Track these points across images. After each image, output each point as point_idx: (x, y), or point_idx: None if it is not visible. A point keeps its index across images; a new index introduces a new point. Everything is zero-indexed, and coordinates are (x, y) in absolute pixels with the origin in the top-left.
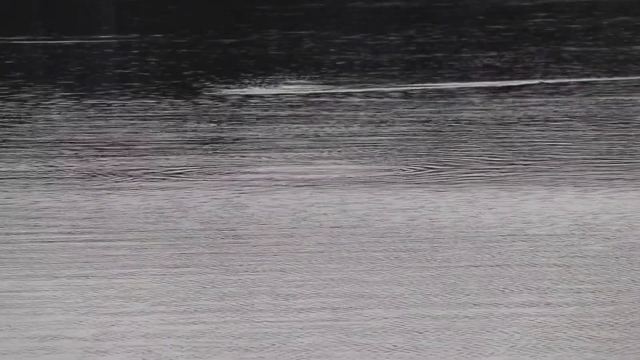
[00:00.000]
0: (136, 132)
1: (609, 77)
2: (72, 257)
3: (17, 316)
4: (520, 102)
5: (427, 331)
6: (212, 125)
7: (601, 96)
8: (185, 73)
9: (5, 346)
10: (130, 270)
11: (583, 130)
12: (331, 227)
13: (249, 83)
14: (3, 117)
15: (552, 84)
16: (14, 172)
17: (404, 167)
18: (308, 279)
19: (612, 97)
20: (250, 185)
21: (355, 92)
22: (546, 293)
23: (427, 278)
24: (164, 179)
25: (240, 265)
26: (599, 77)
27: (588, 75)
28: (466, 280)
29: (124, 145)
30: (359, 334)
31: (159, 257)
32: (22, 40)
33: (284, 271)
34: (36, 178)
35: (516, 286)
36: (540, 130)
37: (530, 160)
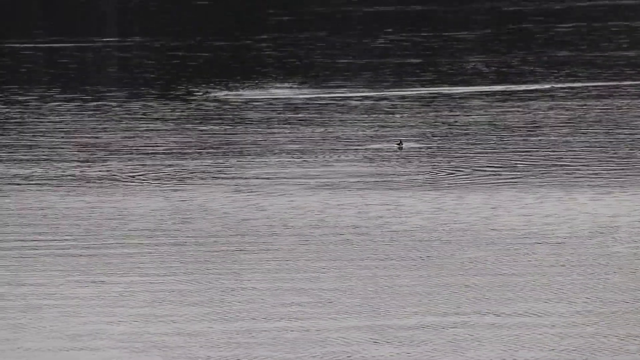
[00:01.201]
0: (144, 136)
1: (617, 81)
2: (96, 260)
3: (50, 317)
4: (532, 106)
5: (466, 334)
6: (219, 128)
7: (610, 100)
8: (189, 76)
9: (42, 345)
10: (158, 271)
11: (595, 134)
12: (353, 228)
13: (250, 86)
14: (8, 121)
15: (562, 88)
16: (26, 176)
17: (421, 170)
18: (334, 281)
19: (622, 101)
20: (266, 187)
21: (362, 96)
22: (575, 296)
23: (450, 280)
24: (180, 181)
25: (271, 267)
26: (607, 81)
27: (595, 79)
28: (494, 285)
29: (133, 148)
30: (394, 331)
31: (187, 258)
32: (20, 43)
33: (311, 273)
34: (50, 182)
35: (543, 290)
36: (553, 134)
37: (546, 164)
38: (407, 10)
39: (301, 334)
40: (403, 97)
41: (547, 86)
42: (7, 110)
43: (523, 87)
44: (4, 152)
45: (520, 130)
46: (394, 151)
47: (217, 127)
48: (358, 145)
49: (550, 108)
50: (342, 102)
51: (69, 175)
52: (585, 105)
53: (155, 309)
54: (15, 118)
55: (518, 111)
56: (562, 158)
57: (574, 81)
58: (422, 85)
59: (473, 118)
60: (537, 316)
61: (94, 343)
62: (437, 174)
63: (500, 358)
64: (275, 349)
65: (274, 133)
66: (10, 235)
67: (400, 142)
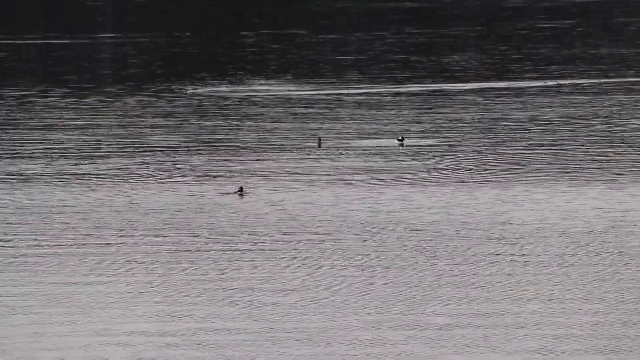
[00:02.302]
0: (144, 133)
1: (626, 77)
2: (117, 255)
3: (76, 312)
4: (540, 102)
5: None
6: (223, 123)
7: (619, 95)
8: (187, 72)
9: (69, 340)
10: (179, 265)
11: (604, 129)
12: (367, 224)
13: (248, 82)
14: (11, 119)
15: (568, 84)
16: (29, 172)
17: (433, 166)
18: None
19: (631, 97)
20: (277, 182)
21: (363, 92)
22: (602, 291)
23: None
24: (190, 177)
25: (297, 260)
26: (615, 77)
27: (602, 76)
28: (514, 280)
29: (134, 145)
30: (427, 329)
31: (209, 253)
32: (20, 40)
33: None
34: (58, 177)
35: (569, 286)
36: (562, 130)
37: (555, 159)
38: (407, 8)
39: (330, 328)
40: (406, 94)
41: (553, 82)
42: (7, 107)
43: (532, 83)
44: (6, 148)
45: (528, 126)
46: (401, 147)
47: (221, 123)
48: (362, 141)
49: (558, 104)
50: (344, 99)
51: (75, 172)
52: (593, 101)
53: (179, 306)
54: (15, 114)
55: (526, 107)
56: (571, 153)
57: (580, 77)
58: (425, 82)
59: (480, 114)
60: (564, 312)
61: (120, 338)
62: (446, 169)
63: (536, 351)
64: (305, 344)
65: (276, 129)
66: (28, 234)
67: (402, 138)
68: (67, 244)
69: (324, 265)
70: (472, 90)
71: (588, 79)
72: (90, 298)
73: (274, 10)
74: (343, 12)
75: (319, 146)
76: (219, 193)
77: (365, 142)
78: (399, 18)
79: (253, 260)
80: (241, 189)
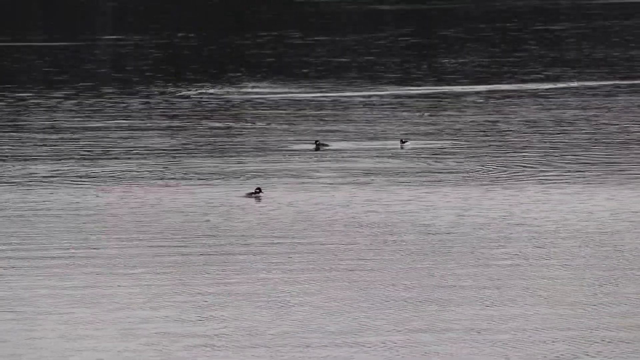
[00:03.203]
0: (150, 135)
1: (636, 79)
2: (138, 257)
3: (103, 310)
4: (557, 104)
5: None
6: (223, 127)
7: (636, 97)
8: (192, 74)
9: (99, 335)
10: (200, 267)
11: (619, 131)
12: (382, 225)
13: (251, 84)
14: (18, 119)
15: (587, 86)
16: (35, 174)
17: (448, 168)
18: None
19: None
20: (291, 184)
21: (378, 94)
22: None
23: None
24: (203, 180)
25: (316, 261)
26: (633, 79)
27: (615, 78)
28: (535, 280)
29: (143, 147)
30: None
31: (230, 255)
32: (19, 43)
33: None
34: (67, 179)
35: (594, 286)
36: (577, 131)
37: (572, 161)
38: (410, 10)
39: (359, 329)
40: (419, 96)
41: (573, 84)
42: (10, 108)
43: (549, 85)
44: (13, 150)
45: (544, 128)
46: (402, 149)
47: (224, 125)
48: (367, 143)
49: (574, 106)
50: (345, 100)
51: (83, 174)
52: (609, 103)
53: (203, 307)
54: (23, 116)
55: (542, 109)
56: (583, 155)
57: (598, 79)
58: (438, 84)
59: (494, 116)
60: (591, 314)
61: (149, 340)
62: (463, 171)
63: (572, 354)
64: (333, 345)
65: (281, 130)
66: (55, 236)
67: (404, 140)
68: (87, 246)
69: (342, 267)
70: (477, 93)
71: (601, 80)
72: (115, 299)
73: (273, 12)
74: (340, 14)
75: (317, 149)
76: (246, 194)
77: (369, 144)
78: (395, 19)
79: (274, 262)
80: (259, 190)
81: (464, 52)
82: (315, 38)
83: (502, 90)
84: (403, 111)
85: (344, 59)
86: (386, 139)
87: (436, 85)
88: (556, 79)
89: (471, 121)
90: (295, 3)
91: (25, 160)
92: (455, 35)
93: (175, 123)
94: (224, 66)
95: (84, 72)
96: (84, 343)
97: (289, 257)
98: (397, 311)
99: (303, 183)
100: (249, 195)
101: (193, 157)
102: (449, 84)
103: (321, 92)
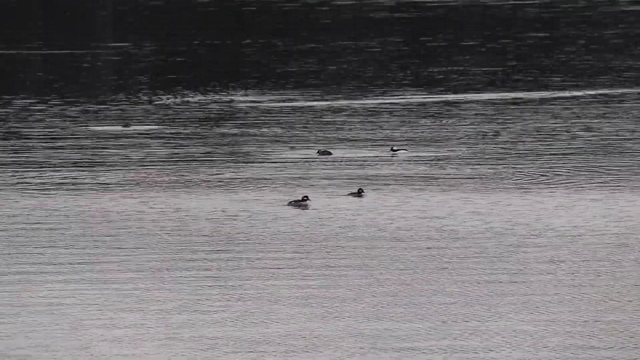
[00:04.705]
0: (160, 144)
1: None
2: (176, 262)
3: (145, 318)
4: (566, 111)
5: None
6: (231, 133)
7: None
8: (197, 80)
9: (143, 333)
10: (238, 272)
11: (633, 138)
12: (410, 230)
13: (257, 92)
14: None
15: (594, 94)
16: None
17: (466, 174)
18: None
19: None
20: (308, 188)
21: (389, 101)
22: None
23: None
24: (224, 186)
25: (359, 266)
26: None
27: (623, 86)
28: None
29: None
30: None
31: (272, 260)
32: (20, 49)
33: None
34: (86, 186)
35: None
36: (592, 139)
37: (588, 167)
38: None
39: (390, 334)
40: (413, 104)
41: (579, 93)
42: (17, 117)
43: (558, 94)
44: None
45: (559, 135)
46: (393, 157)
47: (232, 132)
48: (399, 146)
49: (584, 114)
50: (348, 108)
51: (114, 180)
52: (617, 111)
53: (255, 312)
54: (34, 126)
55: (553, 117)
56: (602, 162)
57: (606, 88)
58: (448, 92)
59: (509, 124)
60: (632, 319)
61: (190, 344)
62: (481, 177)
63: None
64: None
65: (284, 136)
66: (89, 241)
67: (395, 149)
68: (121, 252)
69: (373, 271)
70: (490, 101)
71: (611, 89)
72: (156, 304)
73: (269, 18)
74: (338, 21)
75: (394, 154)
76: (290, 202)
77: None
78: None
79: (313, 267)
80: (306, 198)
81: (471, 59)
82: (310, 45)
83: (513, 98)
84: (413, 118)
85: (361, 66)
86: (400, 146)
87: (446, 93)
88: (567, 88)
89: (484, 129)
90: (291, 10)
91: (41, 167)
92: (467, 42)
93: (192, 129)
94: (219, 72)
95: (79, 79)
96: (133, 350)
97: (332, 262)
98: (443, 316)
99: (328, 185)
100: (295, 203)
101: (212, 163)
102: (455, 92)
103: (322, 99)
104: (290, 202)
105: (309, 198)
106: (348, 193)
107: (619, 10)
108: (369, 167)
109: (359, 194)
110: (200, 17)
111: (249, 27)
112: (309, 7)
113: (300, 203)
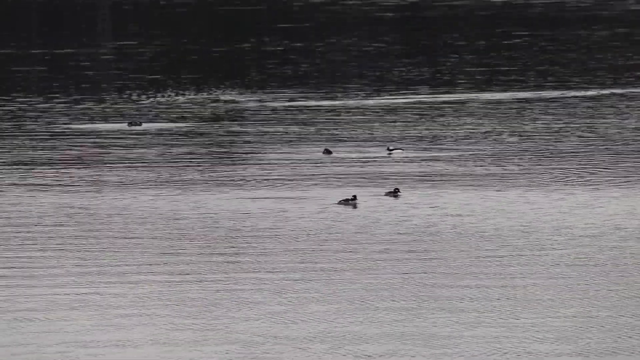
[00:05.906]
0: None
1: None
2: (175, 259)
3: (181, 314)
4: (583, 110)
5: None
6: (235, 133)
7: None
8: (196, 78)
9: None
10: (249, 274)
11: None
12: (425, 227)
13: (260, 91)
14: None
15: (619, 94)
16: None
17: (482, 172)
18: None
19: None
20: (318, 187)
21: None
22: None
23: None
24: (236, 186)
25: (392, 265)
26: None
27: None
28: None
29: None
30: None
31: (282, 259)
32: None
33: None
34: (111, 184)
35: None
36: (610, 137)
37: (608, 165)
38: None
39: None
40: (422, 103)
41: (592, 92)
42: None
43: (572, 93)
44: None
45: (577, 134)
46: (390, 157)
47: (252, 129)
48: (379, 149)
49: (601, 113)
50: (352, 107)
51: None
52: (631, 110)
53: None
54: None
55: (571, 116)
56: (622, 160)
57: (619, 87)
58: (470, 91)
59: (529, 123)
60: None
61: (233, 337)
62: (497, 174)
63: None
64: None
65: (289, 135)
66: (105, 236)
67: (390, 148)
68: (159, 253)
69: (405, 269)
70: (493, 100)
71: (625, 88)
72: (199, 299)
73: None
74: (339, 19)
75: (390, 154)
76: (340, 201)
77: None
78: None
79: (355, 265)
80: (354, 197)
81: (479, 58)
82: (317, 43)
83: (525, 98)
84: (421, 117)
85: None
86: (406, 145)
87: (458, 92)
88: (582, 87)
89: (501, 129)
90: (294, 8)
91: (102, 164)
92: (477, 42)
93: (193, 129)
94: (223, 72)
95: (80, 78)
96: (178, 350)
97: (370, 262)
98: (478, 314)
99: (335, 186)
100: (345, 202)
101: (220, 164)
102: (467, 91)
103: (323, 99)
104: (340, 201)
105: (356, 198)
106: (385, 193)
107: (626, 9)
108: (380, 165)
109: (395, 193)
110: (200, 17)
111: (250, 27)
112: (313, 6)
113: (350, 202)
